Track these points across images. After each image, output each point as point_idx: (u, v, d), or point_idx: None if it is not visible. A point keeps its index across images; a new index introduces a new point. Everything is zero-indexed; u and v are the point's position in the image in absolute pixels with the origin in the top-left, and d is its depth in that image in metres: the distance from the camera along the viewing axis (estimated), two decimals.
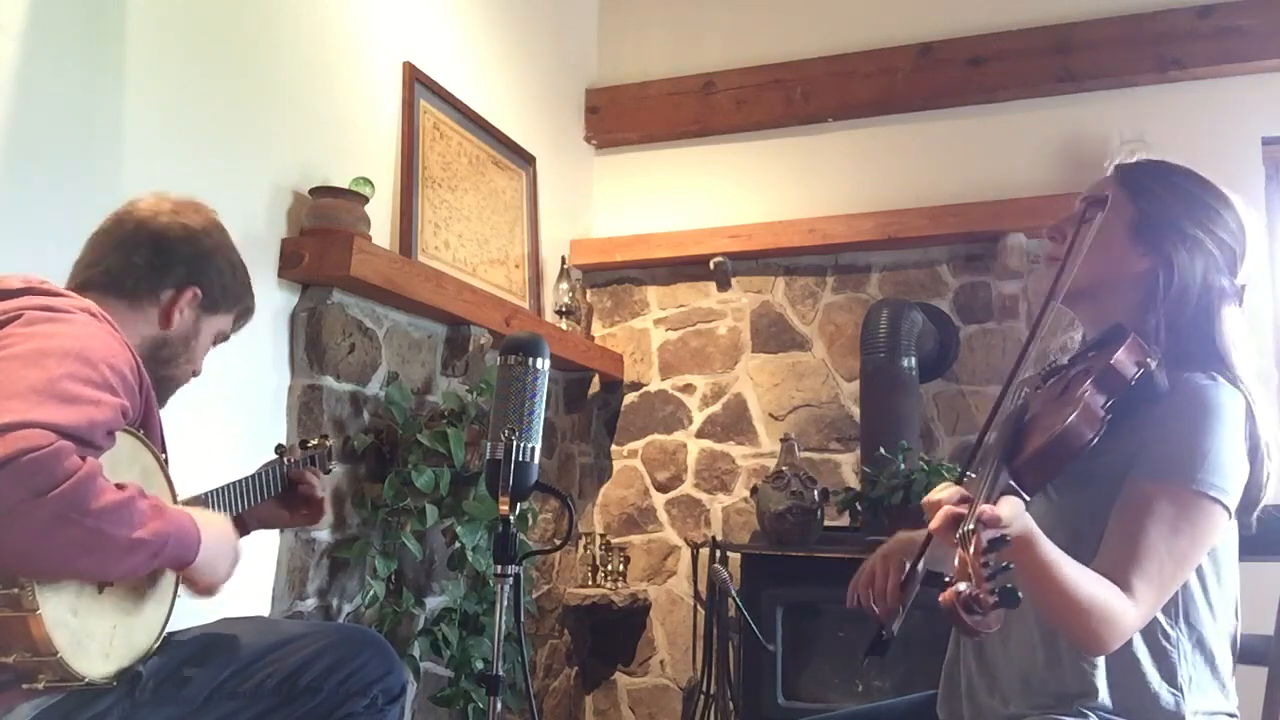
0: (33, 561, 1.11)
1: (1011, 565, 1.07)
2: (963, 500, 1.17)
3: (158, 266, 1.48)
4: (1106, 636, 1.20)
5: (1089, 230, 1.34)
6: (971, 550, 1.08)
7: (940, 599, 1.07)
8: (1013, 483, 1.22)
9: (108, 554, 1.14)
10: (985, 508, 1.12)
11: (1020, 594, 1.03)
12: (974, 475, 1.27)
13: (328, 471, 1.83)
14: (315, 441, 1.83)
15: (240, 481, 1.62)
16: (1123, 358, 1.26)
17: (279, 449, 1.76)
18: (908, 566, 1.32)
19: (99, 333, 1.29)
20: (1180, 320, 1.35)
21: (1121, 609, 1.19)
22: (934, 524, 1.17)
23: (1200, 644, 1.30)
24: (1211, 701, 1.30)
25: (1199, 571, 1.31)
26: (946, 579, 1.09)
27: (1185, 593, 1.29)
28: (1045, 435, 1.24)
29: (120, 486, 1.17)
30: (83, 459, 1.11)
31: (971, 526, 1.10)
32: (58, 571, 1.16)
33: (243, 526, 1.67)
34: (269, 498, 1.68)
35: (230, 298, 1.58)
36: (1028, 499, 1.20)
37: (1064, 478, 1.31)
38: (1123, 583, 1.20)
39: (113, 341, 1.29)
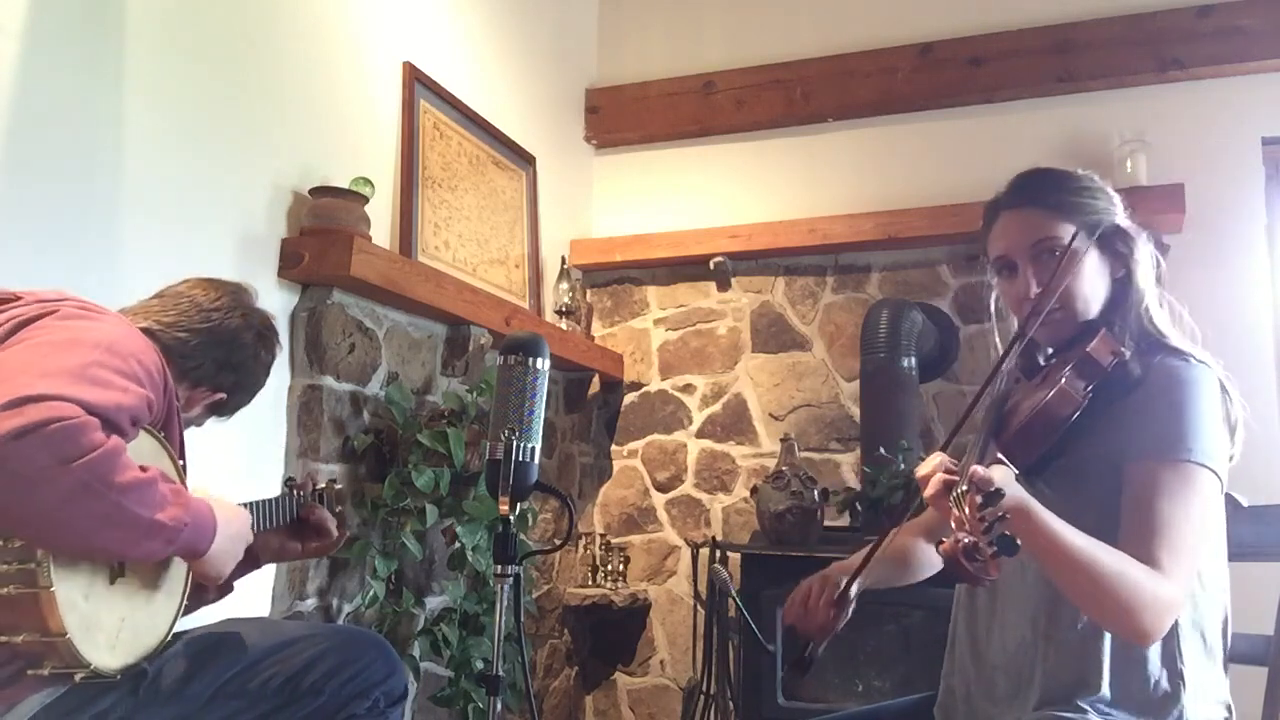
0: (54, 531, 1.12)
1: (1007, 515, 1.11)
2: (951, 471, 1.22)
3: (215, 369, 1.57)
4: (1145, 613, 1.19)
5: (1069, 266, 1.37)
6: (967, 508, 1.12)
7: (940, 549, 1.12)
8: (1001, 455, 1.27)
9: (128, 532, 1.15)
10: (976, 468, 1.16)
11: (1018, 542, 1.07)
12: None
13: (334, 513, 1.86)
14: (324, 485, 1.85)
15: (251, 505, 1.62)
16: (1098, 347, 1.32)
17: (288, 481, 1.78)
18: (841, 584, 1.36)
19: (131, 332, 1.33)
20: (1142, 310, 1.39)
21: (1152, 583, 1.19)
22: (928, 491, 1.21)
23: (1196, 625, 1.31)
24: (1208, 687, 1.30)
25: None
26: (940, 541, 1.14)
27: None
28: (1029, 411, 1.30)
29: (143, 468, 1.18)
30: (108, 435, 1.12)
31: (965, 487, 1.14)
32: (77, 544, 1.17)
33: (255, 561, 1.69)
34: (276, 527, 1.69)
35: (235, 406, 1.66)
36: (1017, 471, 1.24)
37: (1059, 474, 1.34)
38: (1150, 560, 1.21)
39: (143, 341, 1.33)
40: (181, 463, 1.44)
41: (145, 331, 1.45)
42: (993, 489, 1.12)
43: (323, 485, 1.84)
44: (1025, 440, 1.30)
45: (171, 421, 1.41)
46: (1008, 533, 1.08)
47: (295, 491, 1.75)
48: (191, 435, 1.98)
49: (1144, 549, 1.22)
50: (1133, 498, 1.27)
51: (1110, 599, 1.19)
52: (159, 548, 1.21)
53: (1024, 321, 1.37)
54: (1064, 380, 1.29)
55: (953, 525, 1.14)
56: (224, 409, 1.64)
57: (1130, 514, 1.26)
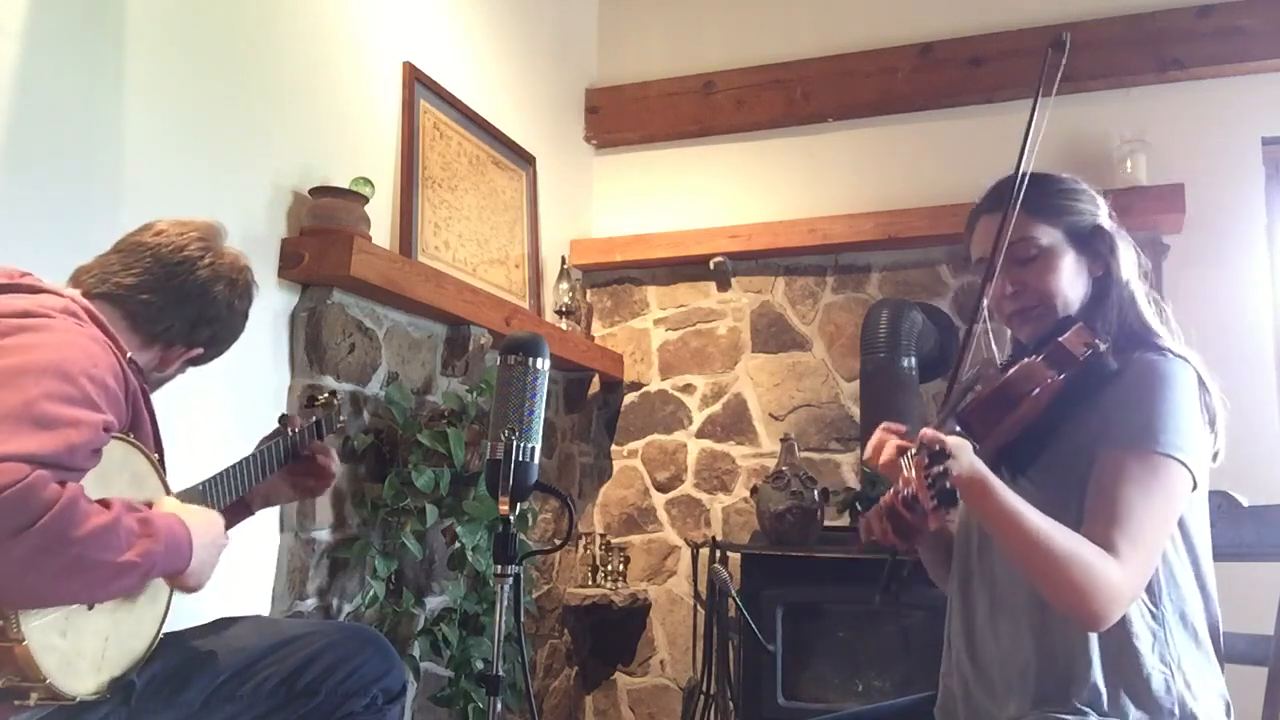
0: (19, 594, 1.10)
1: (948, 469, 1.16)
2: (903, 440, 1.28)
3: (188, 327, 1.47)
4: (1096, 596, 1.20)
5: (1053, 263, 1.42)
6: (914, 468, 1.17)
7: (881, 500, 1.17)
8: (958, 427, 1.31)
9: (95, 579, 1.13)
10: (926, 430, 1.21)
11: (958, 495, 1.12)
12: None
13: (335, 430, 1.78)
14: (323, 399, 1.78)
15: (243, 462, 1.59)
16: (1071, 338, 1.34)
17: (282, 419, 1.72)
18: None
19: (79, 339, 1.24)
20: (1124, 306, 1.41)
21: (1104, 567, 1.20)
22: (881, 458, 1.27)
23: (1183, 619, 1.31)
24: (1202, 677, 1.31)
25: (1174, 546, 1.33)
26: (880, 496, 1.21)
27: (1164, 569, 1.31)
28: (990, 386, 1.35)
29: (105, 504, 1.14)
30: (62, 484, 1.08)
31: (915, 450, 1.19)
32: (45, 600, 1.14)
33: (247, 508, 1.66)
34: (273, 473, 1.65)
35: (215, 355, 1.58)
36: (976, 446, 1.27)
37: (1041, 470, 1.36)
38: (1106, 544, 1.22)
39: (94, 348, 1.25)
40: (158, 455, 1.40)
41: (106, 298, 1.39)
42: (938, 448, 1.16)
43: (321, 400, 1.76)
44: (983, 411, 1.33)
45: (140, 419, 1.36)
46: (949, 487, 1.12)
47: (291, 431, 1.68)
48: (191, 436, 1.98)
49: (1103, 534, 1.23)
50: (1098, 484, 1.28)
51: (1063, 578, 1.20)
52: (133, 583, 1.19)
53: (979, 307, 1.40)
54: (1032, 362, 1.33)
55: (900, 484, 1.18)
56: (203, 361, 1.56)
57: (1094, 499, 1.28)
